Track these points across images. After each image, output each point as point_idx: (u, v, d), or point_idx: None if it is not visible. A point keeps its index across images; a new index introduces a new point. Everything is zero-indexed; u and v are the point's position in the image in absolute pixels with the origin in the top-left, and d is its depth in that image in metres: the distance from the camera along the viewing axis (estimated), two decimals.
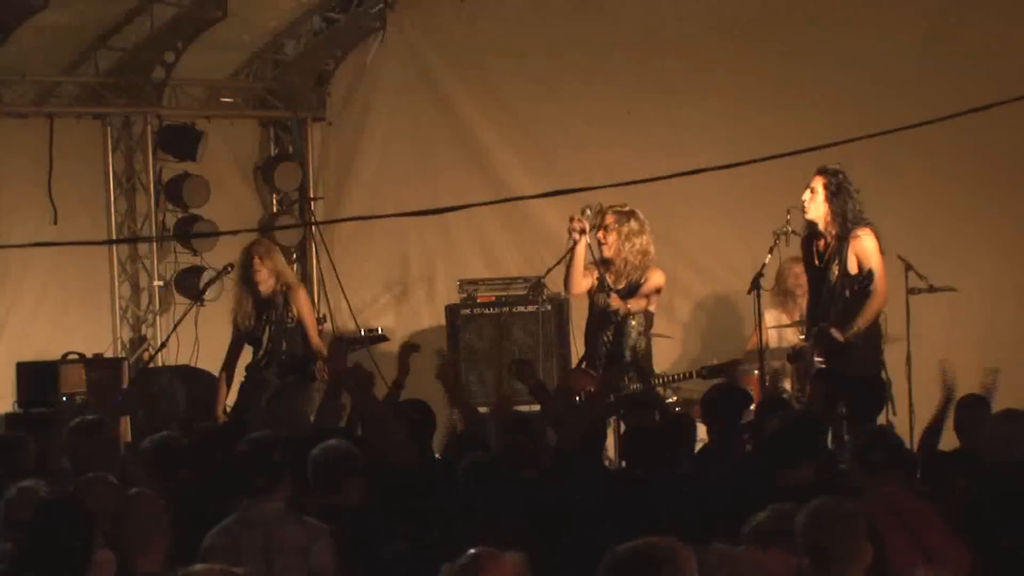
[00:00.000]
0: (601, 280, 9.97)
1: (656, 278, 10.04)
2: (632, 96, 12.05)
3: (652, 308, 10.11)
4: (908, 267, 10.46)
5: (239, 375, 10.34)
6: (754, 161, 7.56)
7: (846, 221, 9.37)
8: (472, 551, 4.68)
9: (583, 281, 10.10)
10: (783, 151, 7.57)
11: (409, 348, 8.68)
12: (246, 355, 10.36)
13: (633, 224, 9.97)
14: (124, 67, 12.09)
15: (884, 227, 10.91)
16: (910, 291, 10.45)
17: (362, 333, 10.80)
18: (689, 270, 12.05)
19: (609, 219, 9.93)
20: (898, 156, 10.77)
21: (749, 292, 9.59)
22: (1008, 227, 11.15)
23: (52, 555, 5.37)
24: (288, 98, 13.13)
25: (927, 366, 10.39)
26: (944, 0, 11.28)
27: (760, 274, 9.52)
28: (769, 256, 9.53)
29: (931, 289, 10.49)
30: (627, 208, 9.96)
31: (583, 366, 10.17)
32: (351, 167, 13.06)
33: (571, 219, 9.91)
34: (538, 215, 10.64)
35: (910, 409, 9.92)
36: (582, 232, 9.84)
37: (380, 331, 10.67)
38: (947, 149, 10.88)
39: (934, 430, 7.77)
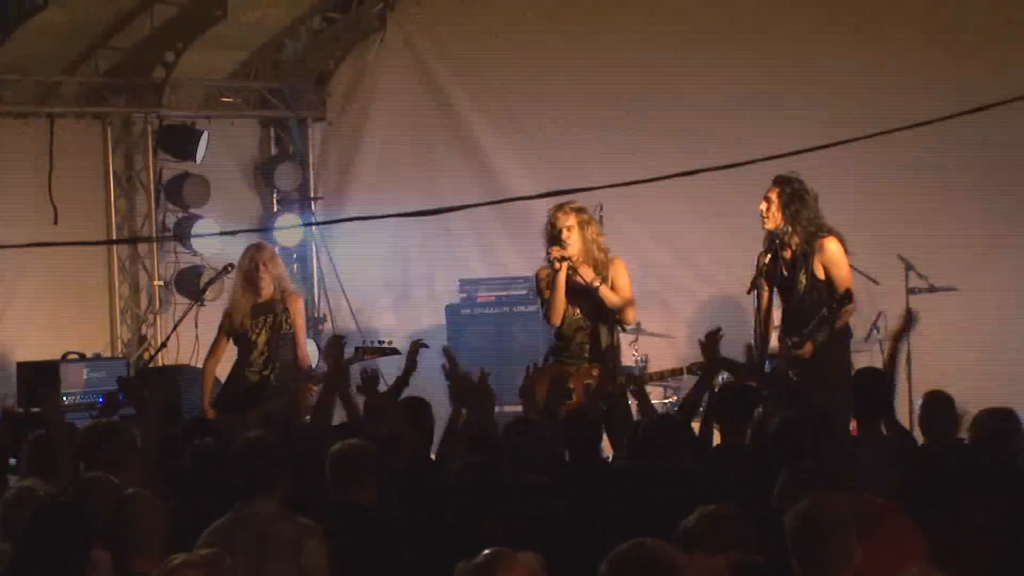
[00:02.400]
0: (568, 282, 9.85)
1: (625, 272, 9.92)
2: (631, 96, 12.05)
3: None
4: (908, 267, 10.46)
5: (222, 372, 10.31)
6: (754, 161, 7.54)
7: (806, 228, 9.28)
8: (487, 551, 4.66)
9: (562, 307, 9.92)
10: (782, 152, 7.56)
11: (418, 345, 8.71)
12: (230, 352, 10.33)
13: (594, 225, 9.87)
14: (124, 67, 12.11)
15: (884, 227, 10.94)
16: (910, 291, 10.45)
17: (374, 343, 10.74)
18: (689, 270, 12.06)
19: (573, 220, 9.77)
20: (898, 156, 10.76)
21: (749, 292, 9.56)
22: (1007, 227, 11.15)
23: (50, 556, 5.36)
24: (288, 98, 13.14)
25: (926, 365, 10.44)
26: (944, 0, 11.28)
27: (760, 274, 9.48)
28: (769, 256, 9.49)
29: (931, 289, 10.48)
30: (577, 204, 9.78)
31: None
32: (351, 167, 13.07)
33: (549, 251, 9.79)
34: (537, 215, 10.58)
35: (910, 408, 9.91)
36: (562, 260, 9.72)
37: (391, 343, 10.61)
38: (947, 149, 10.87)
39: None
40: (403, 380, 8.60)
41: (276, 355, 10.07)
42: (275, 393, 9.83)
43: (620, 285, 9.76)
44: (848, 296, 9.00)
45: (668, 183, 8.30)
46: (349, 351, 10.34)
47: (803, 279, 9.24)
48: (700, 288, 12.05)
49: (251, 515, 6.05)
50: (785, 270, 9.35)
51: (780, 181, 9.27)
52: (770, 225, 9.29)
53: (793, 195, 9.22)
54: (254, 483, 6.11)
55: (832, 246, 9.21)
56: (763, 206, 9.30)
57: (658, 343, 11.20)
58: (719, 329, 8.52)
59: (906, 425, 9.56)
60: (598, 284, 9.62)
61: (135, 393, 8.78)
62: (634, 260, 10.86)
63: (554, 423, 7.75)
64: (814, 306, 9.20)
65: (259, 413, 8.53)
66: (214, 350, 10.24)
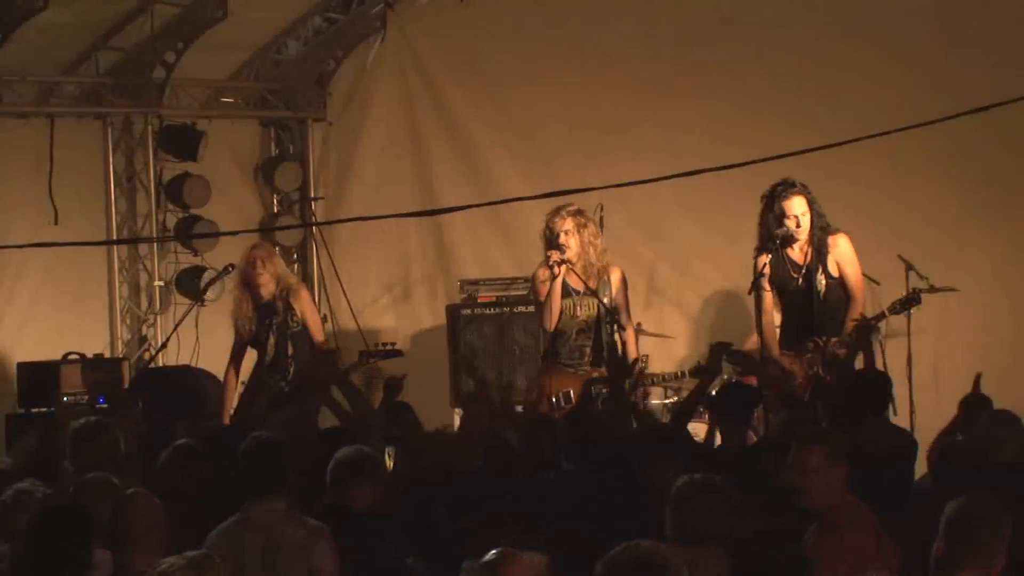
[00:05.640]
0: (567, 286, 9.84)
1: (621, 280, 9.95)
2: (627, 98, 12.05)
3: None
4: (909, 267, 10.47)
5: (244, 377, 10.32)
6: (753, 162, 7.56)
7: (819, 228, 9.33)
8: (494, 550, 4.70)
9: (557, 311, 9.92)
10: (777, 153, 7.57)
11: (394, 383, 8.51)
12: (250, 356, 10.35)
13: (592, 227, 9.86)
14: (124, 67, 12.09)
15: (883, 227, 10.94)
16: (911, 291, 10.45)
17: (376, 346, 10.74)
18: (686, 271, 12.05)
19: (569, 223, 9.78)
20: (898, 156, 10.77)
21: (749, 293, 9.57)
22: (1005, 227, 11.16)
23: (52, 557, 5.37)
24: (288, 98, 13.14)
25: (924, 365, 10.44)
26: (944, 0, 11.28)
27: (761, 274, 9.49)
28: (770, 257, 9.50)
29: (932, 289, 10.48)
30: (575, 207, 9.79)
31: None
32: (351, 167, 13.06)
33: (549, 256, 9.79)
34: (533, 217, 10.64)
35: (911, 408, 9.92)
36: (561, 264, 9.72)
37: (394, 346, 10.59)
38: (946, 150, 10.88)
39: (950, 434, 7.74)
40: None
41: (287, 356, 10.06)
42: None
43: (620, 283, 9.82)
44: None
45: (664, 185, 8.32)
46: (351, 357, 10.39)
47: (823, 280, 9.28)
48: (698, 288, 12.05)
49: (260, 516, 6.08)
50: (793, 272, 9.39)
51: (804, 191, 9.30)
52: (804, 236, 9.32)
53: (815, 201, 9.32)
54: (263, 484, 6.13)
55: (844, 243, 9.31)
56: (792, 222, 9.29)
57: (658, 343, 11.20)
58: (729, 343, 8.53)
59: (907, 424, 9.62)
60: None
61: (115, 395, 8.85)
62: (631, 261, 10.93)
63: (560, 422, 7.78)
64: (836, 306, 9.25)
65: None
66: (232, 357, 10.26)
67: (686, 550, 5.59)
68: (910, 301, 9.13)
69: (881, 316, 9.18)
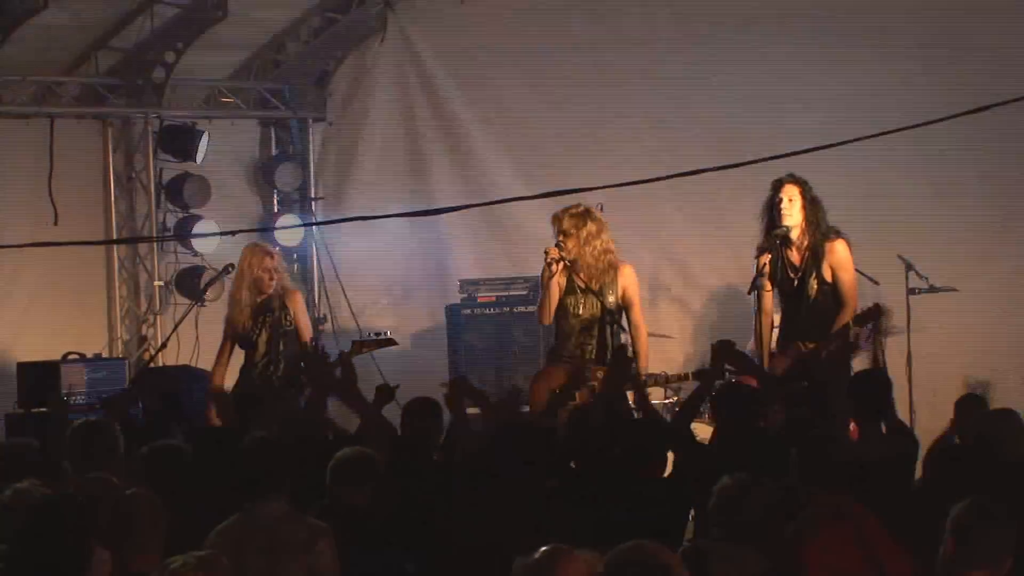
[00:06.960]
0: (572, 284, 9.81)
1: (632, 277, 9.89)
2: (627, 98, 12.06)
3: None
4: (909, 267, 10.47)
5: (231, 376, 10.32)
6: (752, 162, 7.56)
7: (818, 231, 9.30)
8: (545, 548, 4.64)
9: (551, 307, 9.88)
10: (776, 154, 7.57)
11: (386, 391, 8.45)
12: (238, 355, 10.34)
13: (591, 226, 9.69)
14: (124, 67, 12.12)
15: (883, 227, 10.94)
16: (911, 291, 10.46)
17: (370, 336, 10.74)
18: (684, 271, 12.06)
19: (567, 224, 9.72)
20: (897, 156, 10.77)
21: (749, 293, 9.56)
22: (1007, 226, 11.16)
23: (49, 556, 5.36)
24: (288, 98, 13.14)
25: (923, 365, 10.45)
26: (944, 1, 11.27)
27: (760, 274, 9.49)
28: (769, 257, 9.49)
29: (932, 289, 10.49)
30: (581, 208, 9.73)
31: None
32: (351, 167, 13.07)
33: (546, 251, 9.76)
34: (531, 217, 10.63)
35: (910, 408, 9.93)
36: (559, 261, 9.69)
37: (387, 334, 10.58)
38: (947, 148, 10.87)
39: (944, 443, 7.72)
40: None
41: (278, 354, 10.07)
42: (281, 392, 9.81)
43: (634, 286, 9.78)
44: (877, 313, 8.97)
45: (664, 185, 8.31)
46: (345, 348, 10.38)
47: (814, 284, 9.25)
48: (698, 288, 12.05)
49: (261, 516, 6.08)
50: (791, 272, 9.38)
51: (799, 181, 9.29)
52: (788, 222, 9.29)
53: (814, 198, 9.28)
54: (264, 483, 6.13)
55: (841, 249, 9.25)
56: (784, 202, 9.29)
57: (657, 343, 11.19)
58: (732, 342, 8.50)
59: (907, 424, 9.62)
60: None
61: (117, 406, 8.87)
62: (630, 261, 10.90)
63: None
64: (826, 311, 9.23)
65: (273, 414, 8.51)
66: (220, 357, 10.23)
67: (729, 547, 5.62)
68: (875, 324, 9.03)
69: (848, 339, 9.07)
